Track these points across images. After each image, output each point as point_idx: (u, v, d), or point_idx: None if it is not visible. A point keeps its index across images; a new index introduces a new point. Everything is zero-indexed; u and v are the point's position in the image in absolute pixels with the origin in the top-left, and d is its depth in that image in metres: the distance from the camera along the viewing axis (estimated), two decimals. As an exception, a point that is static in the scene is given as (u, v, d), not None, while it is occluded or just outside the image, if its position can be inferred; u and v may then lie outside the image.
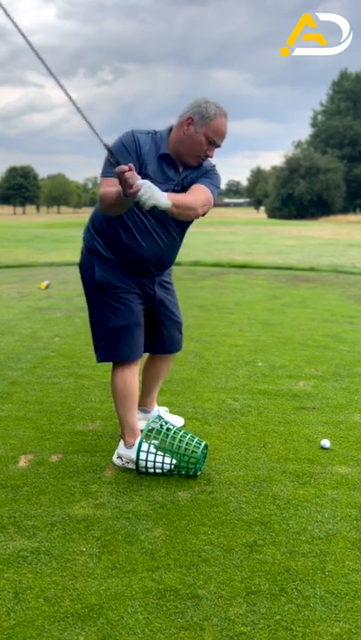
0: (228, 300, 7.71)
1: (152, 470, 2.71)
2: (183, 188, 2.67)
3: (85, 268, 2.81)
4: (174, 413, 3.47)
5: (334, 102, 67.27)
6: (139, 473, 2.72)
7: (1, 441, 3.11)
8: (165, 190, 2.49)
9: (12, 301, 7.70)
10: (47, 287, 8.85)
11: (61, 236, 22.90)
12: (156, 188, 2.29)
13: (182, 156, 2.67)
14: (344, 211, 60.48)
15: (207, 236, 21.11)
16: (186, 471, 2.69)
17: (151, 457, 2.69)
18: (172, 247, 2.82)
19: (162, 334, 3.01)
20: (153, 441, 2.71)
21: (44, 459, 2.90)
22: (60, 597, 1.87)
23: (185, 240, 2.96)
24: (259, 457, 2.94)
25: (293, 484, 2.66)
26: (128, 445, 2.79)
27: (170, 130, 2.69)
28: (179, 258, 3.04)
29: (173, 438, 2.72)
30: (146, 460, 2.68)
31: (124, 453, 2.80)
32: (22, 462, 2.87)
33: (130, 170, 2.18)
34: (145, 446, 2.69)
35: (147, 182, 2.25)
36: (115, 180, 2.32)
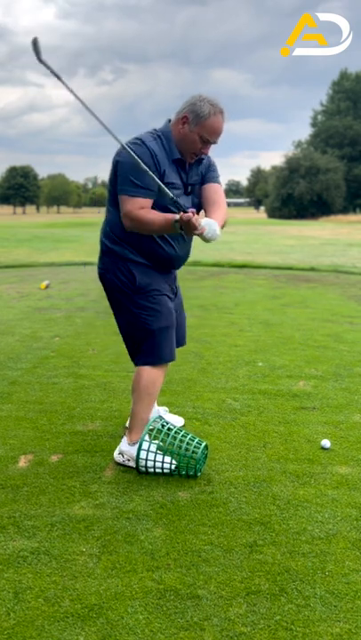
0: (228, 300, 7.71)
1: (152, 470, 2.71)
2: (192, 187, 2.77)
3: (117, 274, 2.78)
4: (174, 413, 3.47)
5: (334, 102, 67.23)
6: (139, 473, 2.73)
7: (1, 441, 3.11)
8: (181, 195, 2.68)
9: (12, 301, 7.70)
10: (47, 287, 8.85)
11: (61, 235, 22.91)
12: (214, 222, 2.51)
13: (182, 155, 2.69)
14: (344, 211, 60.46)
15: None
16: (186, 471, 2.69)
17: (152, 456, 2.69)
18: (191, 241, 2.89)
19: (181, 329, 3.06)
20: (154, 441, 2.71)
21: (44, 459, 2.90)
22: (60, 597, 1.87)
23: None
24: (259, 457, 2.94)
25: (293, 484, 2.66)
26: (132, 442, 2.79)
27: (170, 128, 2.70)
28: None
29: (174, 438, 2.72)
30: (146, 460, 2.68)
31: (126, 450, 2.80)
32: (22, 462, 2.87)
33: (193, 214, 2.38)
34: (146, 445, 2.69)
35: (208, 222, 2.48)
36: (145, 201, 2.55)
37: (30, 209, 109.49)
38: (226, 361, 4.68)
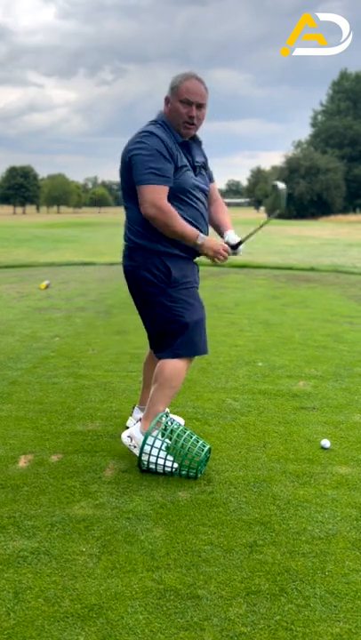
0: (228, 300, 7.71)
1: (153, 467, 2.71)
2: (199, 168, 2.84)
3: (150, 269, 2.76)
4: (174, 413, 3.47)
5: (334, 102, 67.22)
6: (139, 467, 2.73)
7: (1, 441, 3.11)
8: (192, 176, 2.77)
9: (12, 301, 7.70)
10: (47, 287, 8.85)
11: (61, 235, 22.91)
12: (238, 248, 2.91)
13: (179, 132, 2.74)
14: (344, 211, 60.42)
15: (207, 236, 21.07)
16: (187, 471, 2.70)
17: (155, 452, 2.68)
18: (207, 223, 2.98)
19: None
20: (160, 437, 2.71)
21: (44, 459, 2.90)
22: (60, 597, 1.87)
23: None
24: (259, 457, 2.94)
25: (293, 484, 2.66)
26: (145, 431, 2.79)
27: (164, 115, 2.78)
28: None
29: (179, 436, 2.72)
30: (149, 455, 2.68)
31: (137, 436, 2.81)
32: (22, 462, 2.87)
33: (225, 251, 2.77)
34: (150, 440, 2.69)
35: (232, 249, 2.85)
36: (166, 190, 2.64)
37: (30, 209, 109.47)
38: (226, 361, 4.68)
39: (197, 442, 2.74)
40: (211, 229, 2.98)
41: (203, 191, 2.85)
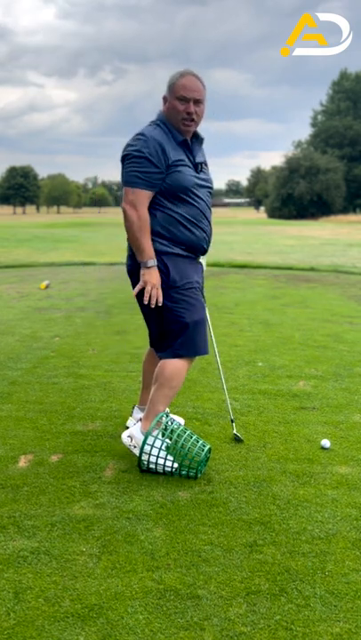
0: (228, 300, 7.71)
1: (153, 467, 2.71)
2: (201, 167, 2.84)
3: None
4: (174, 413, 3.47)
5: (334, 102, 67.18)
6: (139, 467, 2.73)
7: (1, 441, 3.11)
8: (193, 175, 2.76)
9: (12, 301, 7.70)
10: (47, 287, 8.85)
11: (61, 235, 22.91)
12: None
13: (179, 131, 2.74)
14: (344, 211, 60.41)
15: (207, 236, 21.06)
16: (187, 472, 2.69)
17: (155, 452, 2.68)
18: (210, 219, 2.96)
19: None
20: (160, 437, 2.71)
21: (44, 459, 2.90)
22: (60, 597, 1.87)
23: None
24: (259, 457, 2.94)
25: (293, 484, 2.66)
26: (145, 431, 2.79)
27: (163, 115, 2.79)
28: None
29: (179, 436, 2.72)
30: (149, 455, 2.68)
31: (137, 436, 2.81)
32: (22, 462, 2.87)
33: (155, 289, 2.71)
34: (151, 440, 2.69)
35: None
36: (149, 194, 2.66)
37: (30, 209, 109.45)
38: (226, 361, 4.67)
39: (197, 442, 2.74)
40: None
41: (205, 187, 2.86)
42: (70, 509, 2.41)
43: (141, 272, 2.71)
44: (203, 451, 2.70)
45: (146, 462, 2.71)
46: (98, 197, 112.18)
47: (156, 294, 2.71)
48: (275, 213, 58.56)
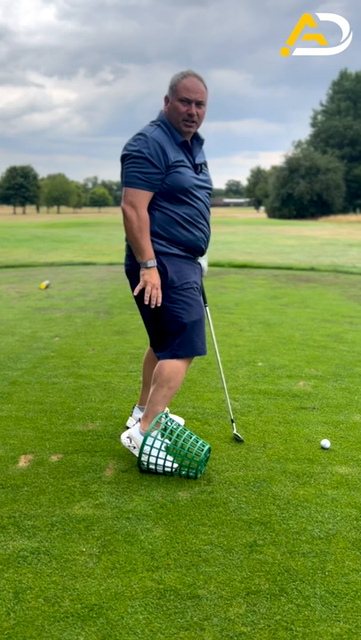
0: (228, 300, 7.71)
1: (153, 467, 2.71)
2: (201, 168, 2.84)
3: None
4: (174, 413, 3.47)
5: (334, 102, 67.15)
6: (139, 468, 2.73)
7: (1, 441, 3.11)
8: (193, 176, 2.76)
9: (12, 301, 7.70)
10: (47, 287, 8.85)
11: (61, 235, 22.90)
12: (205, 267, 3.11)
13: (180, 132, 2.74)
14: (344, 211, 60.38)
15: (207, 236, 21.07)
16: (187, 472, 2.69)
17: (155, 452, 2.68)
18: (209, 220, 2.96)
19: None
20: (159, 437, 2.71)
21: (44, 459, 2.90)
22: (60, 597, 1.87)
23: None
24: (259, 457, 2.94)
25: (293, 484, 2.66)
26: (145, 432, 2.79)
27: (163, 115, 2.79)
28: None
29: (179, 436, 2.72)
30: (149, 455, 2.68)
31: (136, 437, 2.82)
32: (22, 462, 2.87)
33: (156, 289, 2.71)
34: (150, 441, 2.69)
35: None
36: (148, 195, 2.67)
37: (30, 209, 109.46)
38: (226, 361, 4.67)
39: (197, 442, 2.74)
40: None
41: (205, 188, 2.86)
42: (70, 509, 2.41)
43: (141, 272, 2.71)
44: (202, 451, 2.70)
45: (145, 463, 2.71)
46: (98, 197, 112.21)
47: (156, 294, 2.70)
48: (275, 213, 58.56)
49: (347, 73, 67.59)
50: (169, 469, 2.70)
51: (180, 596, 1.89)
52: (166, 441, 2.73)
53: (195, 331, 2.82)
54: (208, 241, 2.94)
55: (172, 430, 2.75)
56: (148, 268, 2.70)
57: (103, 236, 22.69)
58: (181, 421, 3.35)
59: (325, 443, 3.07)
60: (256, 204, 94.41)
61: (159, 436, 2.73)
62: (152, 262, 2.69)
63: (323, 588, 1.94)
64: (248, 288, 8.95)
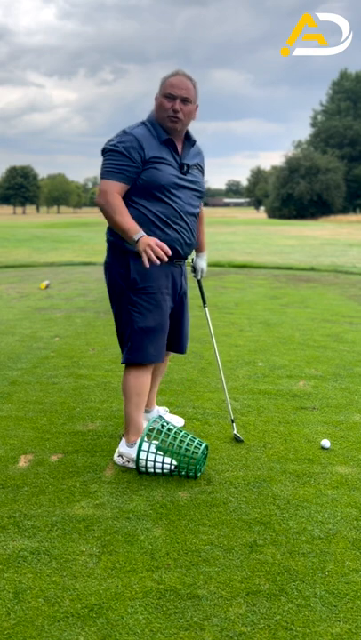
0: (228, 300, 7.72)
1: (152, 470, 2.71)
2: (188, 169, 2.79)
3: (115, 268, 2.79)
4: (174, 413, 3.47)
5: (334, 102, 67.13)
6: (139, 473, 2.72)
7: (1, 441, 3.11)
8: (173, 174, 2.71)
9: (12, 301, 7.69)
10: (47, 287, 8.85)
11: (61, 235, 22.90)
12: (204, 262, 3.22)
13: (166, 129, 2.72)
14: (344, 211, 60.36)
15: (207, 236, 21.01)
16: (186, 472, 2.69)
17: (151, 457, 2.68)
18: (196, 224, 2.91)
19: (182, 332, 3.05)
20: (153, 441, 2.71)
21: (44, 459, 2.90)
22: (60, 597, 1.87)
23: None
24: (259, 457, 2.94)
25: (293, 484, 2.66)
26: (130, 444, 2.79)
27: (153, 114, 2.78)
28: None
29: (174, 438, 2.72)
30: (146, 460, 2.68)
31: (125, 452, 2.80)
32: (22, 462, 2.87)
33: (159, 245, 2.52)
34: (145, 446, 2.69)
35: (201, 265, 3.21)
36: (121, 185, 2.63)
37: (30, 209, 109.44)
38: (226, 361, 4.67)
39: (193, 441, 2.74)
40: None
41: (189, 189, 2.79)
42: (70, 509, 2.41)
43: (137, 247, 2.55)
44: (199, 448, 2.69)
45: (144, 469, 2.71)
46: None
47: (157, 248, 2.49)
48: (275, 213, 58.55)
49: (347, 73, 67.57)
50: (168, 469, 2.70)
51: (180, 596, 1.89)
52: (157, 442, 2.71)
53: (148, 337, 2.76)
54: (189, 243, 2.85)
55: (169, 429, 2.75)
56: (137, 240, 2.54)
57: (103, 236, 22.62)
58: (181, 421, 3.35)
59: (325, 443, 3.07)
60: (256, 204, 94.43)
61: (146, 439, 2.73)
62: (139, 234, 2.55)
63: (323, 588, 1.94)
64: (248, 288, 8.95)
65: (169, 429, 2.75)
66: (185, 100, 2.69)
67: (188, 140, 2.83)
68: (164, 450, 2.71)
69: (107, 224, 2.79)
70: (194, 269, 3.24)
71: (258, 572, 2.02)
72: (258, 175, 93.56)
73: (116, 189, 2.63)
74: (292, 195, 57.36)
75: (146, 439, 2.73)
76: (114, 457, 2.87)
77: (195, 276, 3.27)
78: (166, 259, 2.52)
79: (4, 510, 2.40)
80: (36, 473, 2.74)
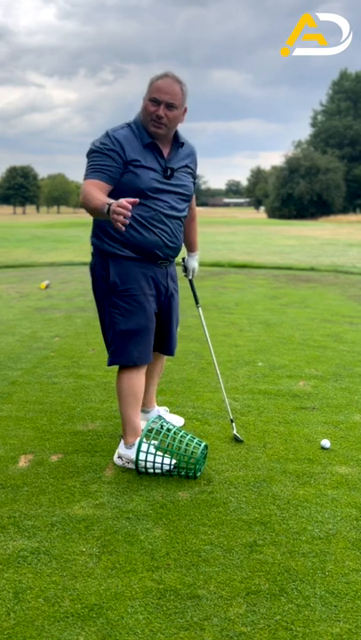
0: (228, 300, 7.72)
1: (152, 470, 2.71)
2: (172, 173, 2.73)
3: (98, 270, 2.79)
4: (174, 413, 3.47)
5: (334, 102, 67.12)
6: (138, 473, 2.72)
7: (1, 441, 3.11)
8: (154, 178, 2.66)
9: (12, 301, 7.69)
10: (47, 287, 8.85)
11: (61, 235, 22.90)
12: (196, 262, 3.24)
13: (149, 132, 2.67)
14: (344, 211, 60.35)
15: (207, 236, 21.10)
16: (186, 472, 2.69)
17: (151, 457, 2.68)
18: (181, 227, 2.86)
19: (169, 334, 3.03)
20: (153, 441, 2.71)
21: (44, 459, 2.90)
22: (60, 597, 1.87)
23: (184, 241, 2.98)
24: (259, 457, 2.94)
25: (293, 484, 2.66)
26: (128, 445, 2.79)
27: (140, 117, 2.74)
28: (178, 258, 3.05)
29: (173, 439, 2.72)
30: (145, 461, 2.68)
31: (124, 453, 2.80)
32: (22, 462, 2.87)
33: (126, 204, 2.25)
34: (145, 446, 2.69)
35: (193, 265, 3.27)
36: (100, 183, 2.56)
37: (30, 209, 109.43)
38: (226, 361, 4.67)
39: (192, 440, 2.74)
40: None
41: (172, 193, 2.74)
42: (70, 509, 2.41)
43: (110, 216, 2.39)
44: (199, 448, 2.69)
45: (143, 469, 2.71)
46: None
47: (119, 209, 2.25)
48: (275, 213, 58.53)
49: (347, 73, 67.56)
50: (167, 467, 2.70)
51: (180, 596, 1.89)
52: (156, 442, 2.71)
53: (131, 340, 2.75)
54: (172, 247, 2.80)
55: (168, 429, 2.75)
56: (108, 209, 2.33)
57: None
58: (181, 421, 3.36)
59: (325, 443, 3.07)
60: (256, 204, 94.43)
61: (150, 440, 2.73)
62: (106, 206, 2.34)
63: (323, 588, 1.94)
64: (248, 288, 8.95)
65: (168, 429, 2.75)
66: (170, 106, 2.61)
67: (176, 142, 2.77)
68: (163, 449, 2.70)
69: None
70: (185, 269, 3.25)
71: (258, 571, 2.02)
72: (258, 175, 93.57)
73: (96, 186, 2.56)
74: (292, 195, 57.35)
75: (145, 439, 2.73)
76: (113, 458, 2.87)
77: (186, 276, 3.27)
78: (129, 214, 2.27)
79: (3, 510, 2.40)
80: (36, 473, 2.74)
